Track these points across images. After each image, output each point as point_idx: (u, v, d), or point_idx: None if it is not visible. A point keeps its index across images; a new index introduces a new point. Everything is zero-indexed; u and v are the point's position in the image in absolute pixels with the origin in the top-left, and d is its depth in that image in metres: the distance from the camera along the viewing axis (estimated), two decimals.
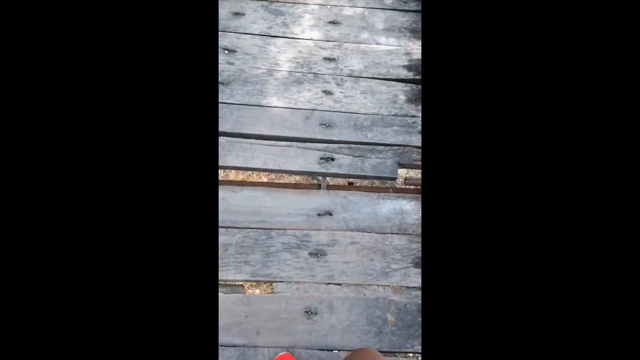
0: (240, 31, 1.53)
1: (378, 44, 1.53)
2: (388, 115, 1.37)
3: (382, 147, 1.31)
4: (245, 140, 1.32)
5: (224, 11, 1.58)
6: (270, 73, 1.44)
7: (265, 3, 1.61)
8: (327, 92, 1.41)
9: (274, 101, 1.38)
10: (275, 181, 1.31)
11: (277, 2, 1.62)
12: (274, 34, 1.53)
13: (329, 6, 1.62)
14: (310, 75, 1.44)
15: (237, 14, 1.57)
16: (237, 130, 1.32)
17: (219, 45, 1.50)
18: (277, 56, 1.48)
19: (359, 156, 1.28)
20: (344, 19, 1.59)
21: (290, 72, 1.45)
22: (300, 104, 1.38)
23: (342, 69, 1.47)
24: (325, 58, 1.48)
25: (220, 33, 1.52)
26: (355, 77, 1.45)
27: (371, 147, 1.31)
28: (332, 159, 1.27)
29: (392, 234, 1.17)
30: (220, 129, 1.32)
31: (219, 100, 1.38)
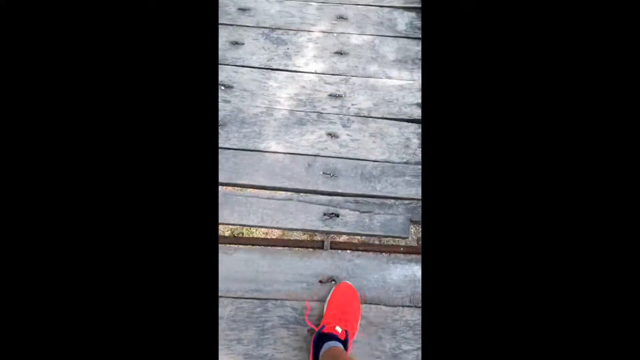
0: (239, 63, 1.41)
1: (389, 77, 1.39)
2: (399, 162, 1.24)
3: (392, 201, 1.18)
4: (241, 193, 1.20)
5: (221, 40, 1.45)
6: (270, 112, 1.31)
7: (266, 30, 1.48)
8: (332, 135, 1.28)
9: (273, 145, 1.26)
10: (274, 237, 1.20)
11: (279, 29, 1.49)
12: (274, 67, 1.40)
13: (335, 34, 1.48)
14: (314, 115, 1.31)
15: (235, 43, 1.45)
16: (233, 180, 1.20)
17: None
18: (278, 92, 1.35)
19: (366, 212, 1.15)
20: (351, 48, 1.45)
21: (291, 111, 1.32)
22: (302, 149, 1.25)
23: (348, 108, 1.33)
24: (330, 95, 1.35)
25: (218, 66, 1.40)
26: (364, 116, 1.32)
27: (380, 200, 1.18)
28: (337, 215, 1.14)
29: (403, 306, 1.04)
30: None
31: None
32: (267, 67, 1.41)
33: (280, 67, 1.41)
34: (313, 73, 1.40)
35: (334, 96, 1.35)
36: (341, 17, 1.52)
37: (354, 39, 1.48)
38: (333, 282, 1.06)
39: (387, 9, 1.55)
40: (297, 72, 1.40)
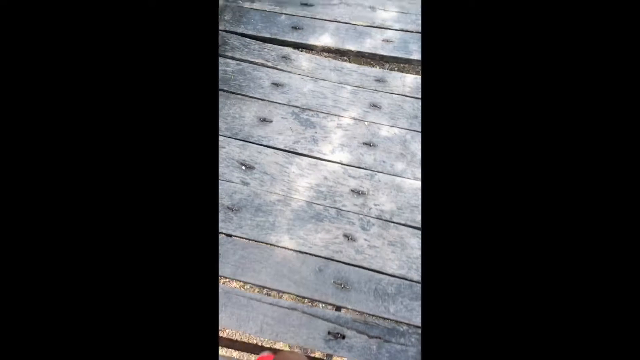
0: (264, 143, 1.37)
1: (417, 178, 1.32)
2: (418, 282, 1.15)
3: (405, 328, 1.08)
4: (243, 292, 1.12)
5: (250, 114, 1.43)
6: (287, 202, 1.26)
7: (296, 110, 1.45)
8: (349, 237, 1.20)
9: (286, 240, 1.19)
10: (270, 345, 1.11)
11: (310, 110, 1.45)
12: (299, 151, 1.36)
13: (366, 122, 1.44)
14: (333, 211, 1.25)
15: (264, 120, 1.42)
16: (237, 276, 1.13)
17: (237, 159, 1.34)
18: (299, 180, 1.30)
19: (375, 337, 1.05)
20: (381, 140, 1.40)
21: (309, 203, 1.26)
22: (316, 249, 1.18)
23: (370, 208, 1.26)
24: (352, 190, 1.29)
25: (241, 143, 1.37)
26: (385, 220, 1.24)
27: (392, 325, 1.08)
28: (342, 337, 1.05)
29: None
30: (220, 272, 1.14)
31: (225, 232, 1.21)
32: (292, 150, 1.36)
33: (305, 152, 1.36)
34: (338, 163, 1.35)
35: (356, 192, 1.29)
36: (374, 105, 1.48)
37: (384, 131, 1.42)
38: None
39: None
40: (322, 159, 1.35)
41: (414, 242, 1.21)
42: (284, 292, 1.13)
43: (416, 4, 1.79)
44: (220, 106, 1.45)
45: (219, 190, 1.27)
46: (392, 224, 1.24)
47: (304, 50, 1.68)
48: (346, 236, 1.21)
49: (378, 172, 1.34)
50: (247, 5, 1.77)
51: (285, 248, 1.18)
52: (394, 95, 1.51)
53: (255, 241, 1.19)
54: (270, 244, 1.19)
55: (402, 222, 1.24)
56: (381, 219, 1.25)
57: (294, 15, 1.74)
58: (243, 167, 1.32)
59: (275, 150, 1.36)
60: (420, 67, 1.65)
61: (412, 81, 1.54)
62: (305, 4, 1.77)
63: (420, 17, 1.74)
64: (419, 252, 1.19)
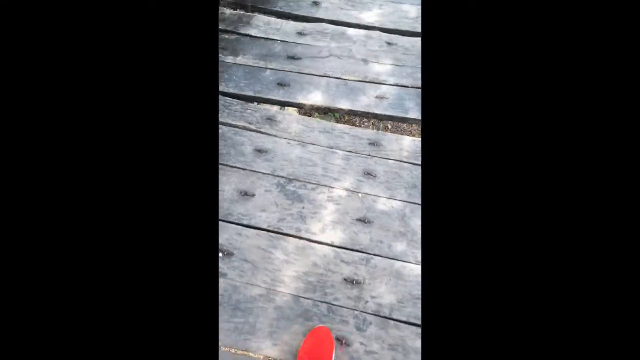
0: (245, 222, 1.21)
1: (418, 262, 1.16)
2: None
3: None
4: None
5: (229, 187, 1.28)
6: (271, 296, 1.09)
7: (282, 180, 1.30)
8: (342, 341, 1.03)
9: (267, 348, 1.01)
10: None
11: (297, 180, 1.31)
12: (285, 230, 1.20)
13: (360, 194, 1.29)
14: (323, 307, 1.08)
15: (245, 194, 1.27)
16: None
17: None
18: (284, 269, 1.13)
19: None
20: (377, 216, 1.25)
21: (296, 297, 1.09)
22: None
23: (366, 302, 1.09)
24: (346, 279, 1.12)
25: (219, 223, 1.22)
26: (384, 317, 1.07)
27: None
28: None
29: None
30: None
31: None
32: (276, 230, 1.21)
33: (292, 232, 1.21)
34: (329, 245, 1.19)
35: (350, 282, 1.12)
36: (369, 173, 1.33)
37: (381, 204, 1.27)
38: None
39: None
40: (311, 241, 1.20)
41: (419, 344, 1.04)
42: None
43: (412, 55, 1.68)
44: None
45: None
46: (392, 322, 1.07)
47: (292, 108, 1.55)
48: (339, 339, 1.04)
49: (375, 255, 1.18)
50: (229, 60, 1.65)
51: (268, 358, 1.01)
52: (390, 161, 1.37)
53: (232, 350, 1.02)
54: (249, 354, 1.02)
55: (404, 318, 1.07)
56: (379, 316, 1.08)
57: (280, 70, 1.62)
58: (220, 254, 1.16)
59: (258, 231, 1.20)
60: (418, 127, 1.51)
61: (409, 144, 1.40)
62: (292, 57, 1.65)
63: (416, 70, 1.62)
64: None
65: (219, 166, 1.33)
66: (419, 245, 1.19)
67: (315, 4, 1.88)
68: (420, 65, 1.62)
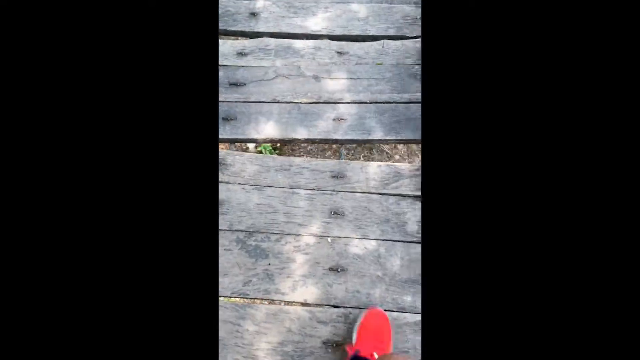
0: None
1: (401, 309, 1.08)
2: None
3: None
4: None
5: None
6: None
7: (241, 235, 1.16)
8: None
9: None
10: None
11: (258, 232, 1.17)
12: (252, 295, 1.07)
13: (329, 239, 1.18)
14: None
15: None
16: None
17: None
18: (256, 341, 1.01)
19: None
20: (350, 262, 1.14)
21: None
22: None
23: None
24: (325, 342, 1.01)
25: None
26: None
27: None
28: None
29: None
30: None
31: None
32: (243, 296, 1.09)
33: (259, 296, 1.09)
34: (302, 305, 1.09)
35: (329, 345, 1.04)
36: (336, 213, 1.22)
37: (353, 246, 1.17)
38: None
39: (393, 199, 1.25)
40: (282, 302, 1.09)
41: None
42: None
43: (366, 65, 1.53)
44: None
45: None
46: None
47: (242, 146, 1.40)
48: None
49: (353, 307, 1.08)
50: None
51: None
52: (357, 194, 1.25)
53: None
54: None
55: None
56: None
57: (223, 101, 1.45)
58: None
59: (221, 302, 1.09)
60: (381, 151, 1.40)
61: (375, 172, 1.29)
62: (235, 84, 1.48)
63: (373, 83, 1.48)
64: None
65: None
66: (399, 290, 1.11)
67: (253, 15, 1.69)
68: (375, 76, 1.49)
